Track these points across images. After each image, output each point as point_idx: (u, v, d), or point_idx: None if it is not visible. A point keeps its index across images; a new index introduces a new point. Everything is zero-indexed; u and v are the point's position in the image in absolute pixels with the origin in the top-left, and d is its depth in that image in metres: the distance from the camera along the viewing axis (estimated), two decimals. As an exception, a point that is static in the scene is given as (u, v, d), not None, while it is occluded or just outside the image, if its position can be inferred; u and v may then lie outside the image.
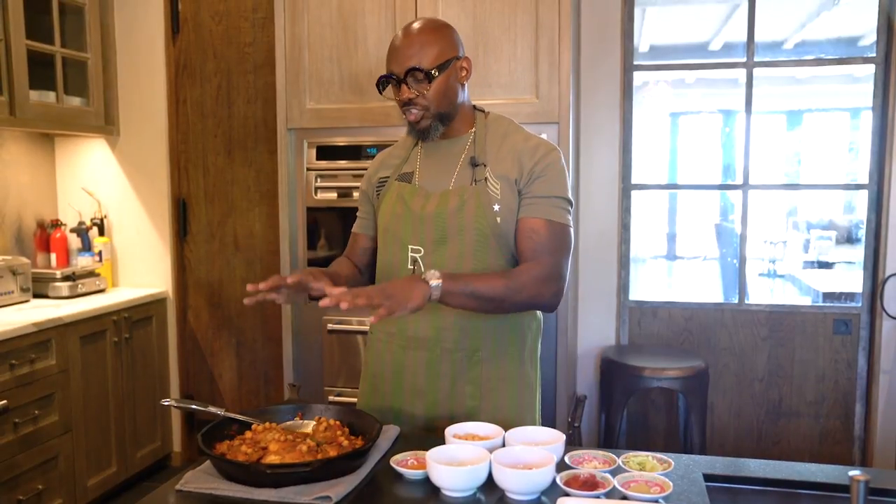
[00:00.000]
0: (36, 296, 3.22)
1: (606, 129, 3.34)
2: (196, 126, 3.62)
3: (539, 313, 1.73)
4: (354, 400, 2.82)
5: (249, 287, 1.46)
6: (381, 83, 1.62)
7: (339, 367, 2.89)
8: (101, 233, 3.60)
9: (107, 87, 3.53)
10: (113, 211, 3.66)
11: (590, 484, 1.23)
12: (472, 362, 1.63)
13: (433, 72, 1.56)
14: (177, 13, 3.56)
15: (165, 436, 3.63)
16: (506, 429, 1.43)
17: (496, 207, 1.58)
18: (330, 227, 2.87)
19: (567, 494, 1.21)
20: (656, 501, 1.20)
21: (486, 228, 1.58)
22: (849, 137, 3.99)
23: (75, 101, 3.34)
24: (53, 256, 3.48)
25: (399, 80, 1.58)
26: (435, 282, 1.43)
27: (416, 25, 1.61)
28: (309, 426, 1.47)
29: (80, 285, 3.29)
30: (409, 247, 1.64)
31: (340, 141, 2.84)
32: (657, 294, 3.67)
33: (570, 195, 1.62)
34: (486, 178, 1.60)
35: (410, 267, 1.63)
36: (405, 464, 1.35)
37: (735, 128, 3.44)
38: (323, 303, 1.34)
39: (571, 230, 1.62)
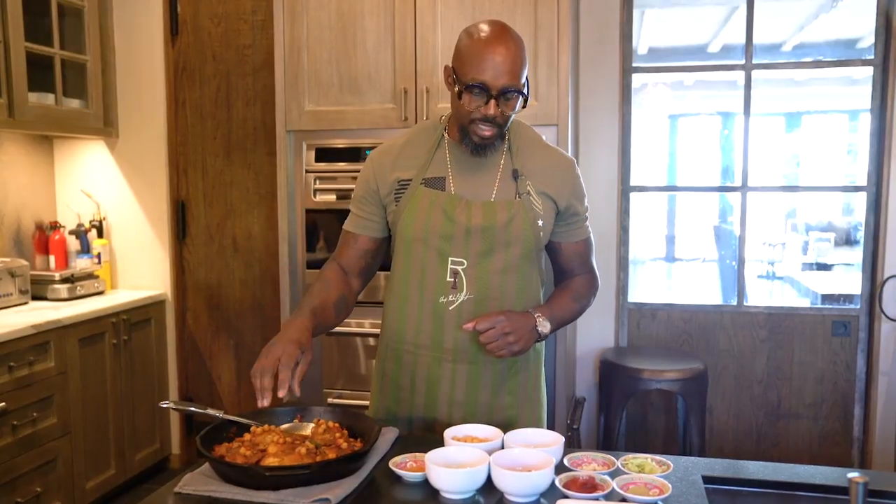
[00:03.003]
0: (34, 298, 3.22)
1: (605, 131, 3.34)
2: (195, 128, 3.62)
3: None
4: (353, 402, 2.84)
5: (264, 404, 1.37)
6: (467, 90, 1.49)
7: (339, 370, 2.89)
8: (100, 235, 3.60)
9: (106, 89, 3.53)
10: (112, 213, 3.66)
11: (589, 486, 1.23)
12: (511, 372, 1.64)
13: (525, 94, 1.52)
14: (176, 15, 3.57)
15: (164, 438, 3.62)
16: None
17: (540, 223, 1.60)
18: (329, 229, 2.87)
19: (566, 496, 1.21)
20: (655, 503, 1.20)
21: (532, 242, 1.59)
22: (847, 139, 4.00)
23: (74, 103, 3.34)
24: (52, 258, 3.48)
25: (490, 95, 1.48)
26: (545, 330, 1.57)
27: (508, 35, 1.51)
28: (308, 428, 1.47)
29: (78, 287, 3.29)
30: (450, 259, 1.58)
31: (339, 143, 2.84)
32: (656, 296, 3.67)
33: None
34: (528, 192, 1.59)
35: (450, 279, 1.58)
36: (404, 466, 1.35)
37: (734, 130, 3.44)
38: (260, 404, 1.35)
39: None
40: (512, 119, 1.58)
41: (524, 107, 1.54)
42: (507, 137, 1.63)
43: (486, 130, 1.52)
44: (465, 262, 1.58)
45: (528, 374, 1.67)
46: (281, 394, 1.35)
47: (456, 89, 1.52)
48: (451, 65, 1.55)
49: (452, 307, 1.58)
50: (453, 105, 1.57)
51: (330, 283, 1.64)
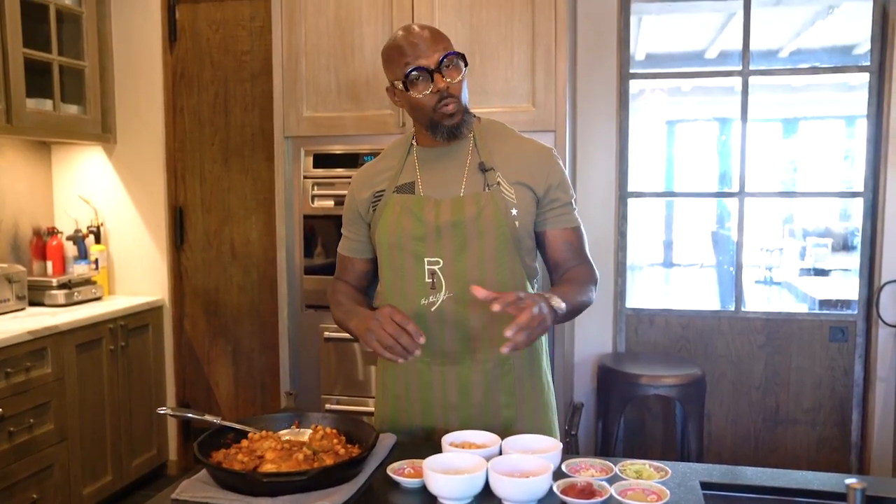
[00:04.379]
0: (32, 304, 3.21)
1: (603, 137, 3.35)
2: (193, 134, 3.62)
3: None
4: (351, 408, 2.83)
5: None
6: (409, 80, 1.52)
7: (336, 376, 2.89)
8: (98, 241, 3.59)
9: (104, 96, 3.53)
10: (109, 219, 3.66)
11: (587, 492, 1.23)
12: (503, 370, 1.60)
13: (462, 54, 1.55)
14: (174, 21, 3.57)
15: (161, 444, 3.62)
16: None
17: (514, 212, 1.57)
18: (327, 234, 2.87)
19: (564, 503, 1.21)
20: (653, 510, 1.20)
21: (506, 233, 1.56)
22: (844, 145, 4.00)
23: (72, 109, 3.34)
24: (49, 264, 3.47)
25: (432, 72, 1.52)
26: (560, 305, 1.44)
27: (419, 25, 1.60)
28: (305, 434, 1.47)
29: (76, 293, 3.28)
30: (426, 259, 1.58)
31: (337, 149, 2.84)
32: (654, 302, 3.67)
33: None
34: (498, 183, 1.57)
35: (429, 280, 1.58)
36: (402, 472, 1.35)
37: (731, 136, 3.45)
38: (421, 341, 1.42)
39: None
40: (466, 91, 1.59)
41: (466, 65, 1.57)
42: (472, 133, 1.63)
43: (449, 106, 1.54)
44: (440, 260, 1.57)
45: (524, 373, 1.63)
46: (422, 340, 1.42)
47: (401, 87, 1.55)
48: (388, 85, 1.61)
49: (434, 308, 1.58)
50: (411, 112, 1.60)
51: (350, 294, 1.72)
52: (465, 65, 1.56)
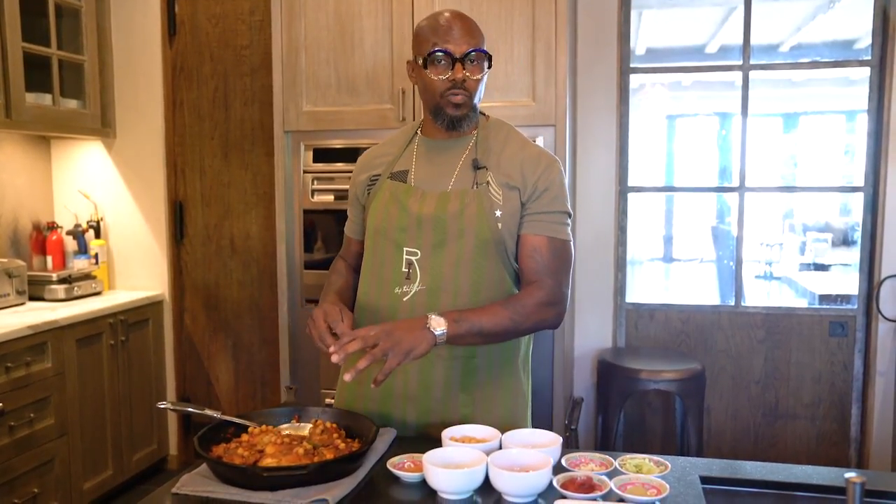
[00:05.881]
0: (32, 298, 3.21)
1: (603, 132, 3.35)
2: (193, 128, 3.62)
3: None
4: (351, 402, 2.83)
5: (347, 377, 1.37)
6: (431, 58, 1.53)
7: (336, 370, 2.88)
8: (98, 235, 3.59)
9: (103, 90, 3.52)
10: (109, 213, 3.66)
11: (586, 486, 1.23)
12: (467, 369, 1.59)
13: (489, 53, 1.56)
14: (173, 15, 3.56)
15: (162, 439, 3.62)
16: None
17: (498, 213, 1.55)
18: (327, 229, 2.87)
19: (564, 497, 1.21)
20: (653, 504, 1.20)
21: (487, 233, 1.55)
22: (844, 140, 4.00)
23: (72, 104, 3.34)
24: (49, 259, 3.47)
25: (455, 60, 1.53)
26: (440, 330, 1.42)
27: (461, 12, 1.60)
28: (306, 429, 1.47)
29: (76, 288, 3.28)
30: (405, 249, 1.58)
31: (337, 143, 2.84)
32: (654, 296, 3.67)
33: (569, 208, 1.62)
34: (487, 182, 1.56)
35: (405, 270, 1.58)
36: (402, 466, 1.35)
37: (731, 130, 3.45)
38: (334, 359, 1.37)
39: (572, 244, 1.62)
40: (481, 91, 1.59)
41: (490, 67, 1.58)
42: (475, 131, 1.63)
43: (458, 96, 1.55)
44: (418, 252, 1.57)
45: (489, 374, 1.61)
46: (352, 347, 1.37)
47: (420, 62, 1.56)
48: (411, 59, 1.62)
49: (406, 298, 1.58)
50: (422, 92, 1.60)
51: (343, 273, 1.76)
52: (489, 66, 1.57)
